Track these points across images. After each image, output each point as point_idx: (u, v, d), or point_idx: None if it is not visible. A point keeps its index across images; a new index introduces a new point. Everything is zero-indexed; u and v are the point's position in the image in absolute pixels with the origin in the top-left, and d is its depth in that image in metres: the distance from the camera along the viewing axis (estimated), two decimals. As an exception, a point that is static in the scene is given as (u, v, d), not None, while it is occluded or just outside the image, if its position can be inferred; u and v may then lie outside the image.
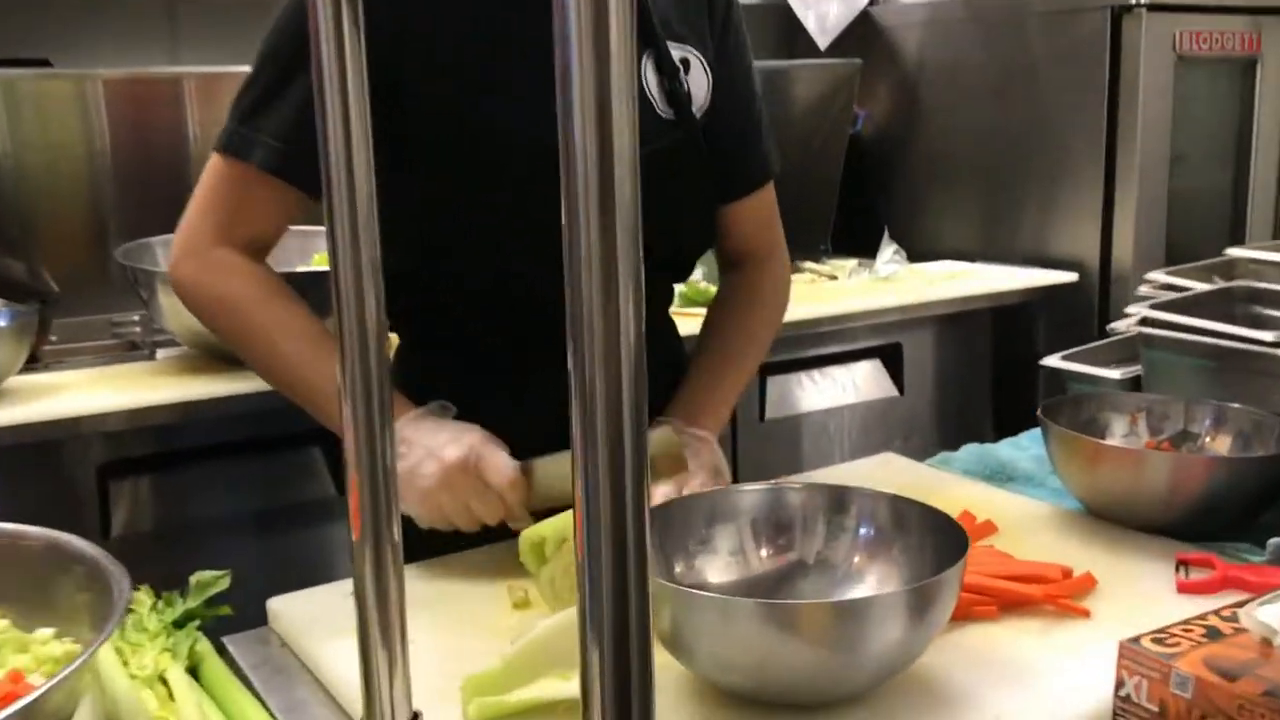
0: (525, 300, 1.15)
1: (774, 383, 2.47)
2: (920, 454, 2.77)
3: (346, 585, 0.87)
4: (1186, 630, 0.83)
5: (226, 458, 1.93)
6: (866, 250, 2.87)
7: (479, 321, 1.22)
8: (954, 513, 1.05)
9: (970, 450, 1.44)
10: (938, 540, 0.87)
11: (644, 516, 0.42)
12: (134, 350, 2.00)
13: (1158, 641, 0.82)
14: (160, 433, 1.85)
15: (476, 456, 1.05)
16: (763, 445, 2.47)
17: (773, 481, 0.95)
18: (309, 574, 1.22)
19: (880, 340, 2.66)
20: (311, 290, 1.18)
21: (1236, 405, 1.24)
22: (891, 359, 2.70)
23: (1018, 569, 1.02)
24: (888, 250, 2.70)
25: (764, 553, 0.91)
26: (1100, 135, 2.63)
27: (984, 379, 2.85)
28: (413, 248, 1.15)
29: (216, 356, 1.86)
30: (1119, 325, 1.41)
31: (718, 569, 0.90)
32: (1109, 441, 1.27)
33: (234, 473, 1.94)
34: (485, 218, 1.14)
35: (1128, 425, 1.29)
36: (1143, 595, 1.01)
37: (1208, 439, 1.25)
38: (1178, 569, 1.05)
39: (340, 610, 0.98)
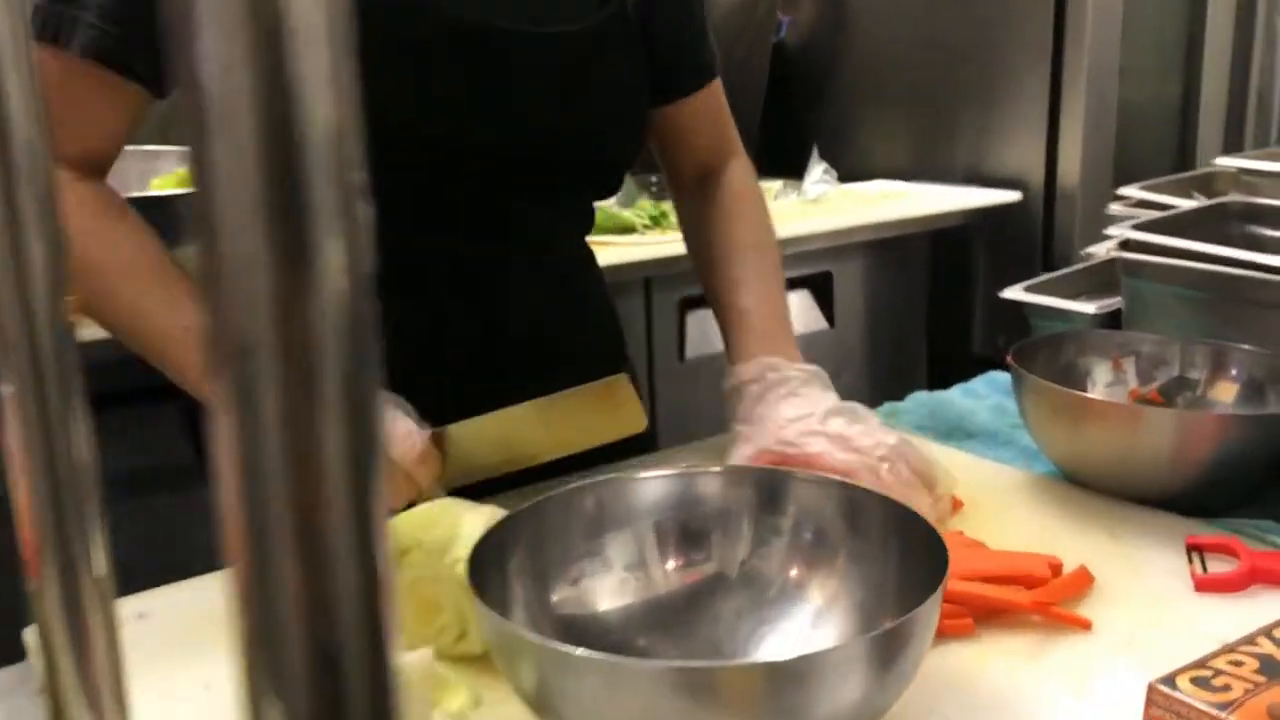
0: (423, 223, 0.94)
1: (694, 318, 2.23)
2: (853, 391, 2.56)
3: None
4: (1234, 663, 0.62)
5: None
6: (794, 171, 2.63)
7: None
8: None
9: (919, 400, 1.22)
10: (903, 546, 0.65)
11: (378, 556, 0.19)
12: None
13: (1200, 684, 0.60)
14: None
15: None
16: (683, 388, 2.24)
17: (683, 467, 0.72)
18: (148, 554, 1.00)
19: (809, 269, 2.44)
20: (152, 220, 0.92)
21: (1243, 346, 1.03)
22: (821, 289, 2.49)
23: (995, 565, 0.80)
24: (816, 170, 2.47)
25: (672, 565, 0.68)
26: (1046, 44, 2.41)
27: (920, 309, 2.64)
28: None
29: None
30: (1096, 249, 1.19)
31: (610, 591, 0.67)
32: (1094, 394, 1.06)
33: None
34: None
35: (1111, 371, 1.08)
36: (1153, 595, 0.80)
37: (1208, 388, 1.04)
38: (1190, 557, 0.84)
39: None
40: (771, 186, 2.61)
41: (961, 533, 0.87)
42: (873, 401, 2.13)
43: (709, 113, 1.13)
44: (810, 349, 2.48)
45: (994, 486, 0.99)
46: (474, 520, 0.73)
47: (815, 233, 2.33)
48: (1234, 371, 1.03)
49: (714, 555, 0.68)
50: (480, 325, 0.99)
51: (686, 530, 0.68)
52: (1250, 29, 2.65)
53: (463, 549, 0.71)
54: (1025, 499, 0.97)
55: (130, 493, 1.74)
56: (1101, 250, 1.16)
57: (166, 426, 1.80)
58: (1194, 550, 0.85)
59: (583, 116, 0.99)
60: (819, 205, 2.45)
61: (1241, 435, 0.89)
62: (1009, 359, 1.00)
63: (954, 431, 1.15)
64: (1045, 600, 0.77)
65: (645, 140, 1.09)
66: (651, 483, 0.69)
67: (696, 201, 1.14)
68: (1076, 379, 1.06)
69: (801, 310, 2.48)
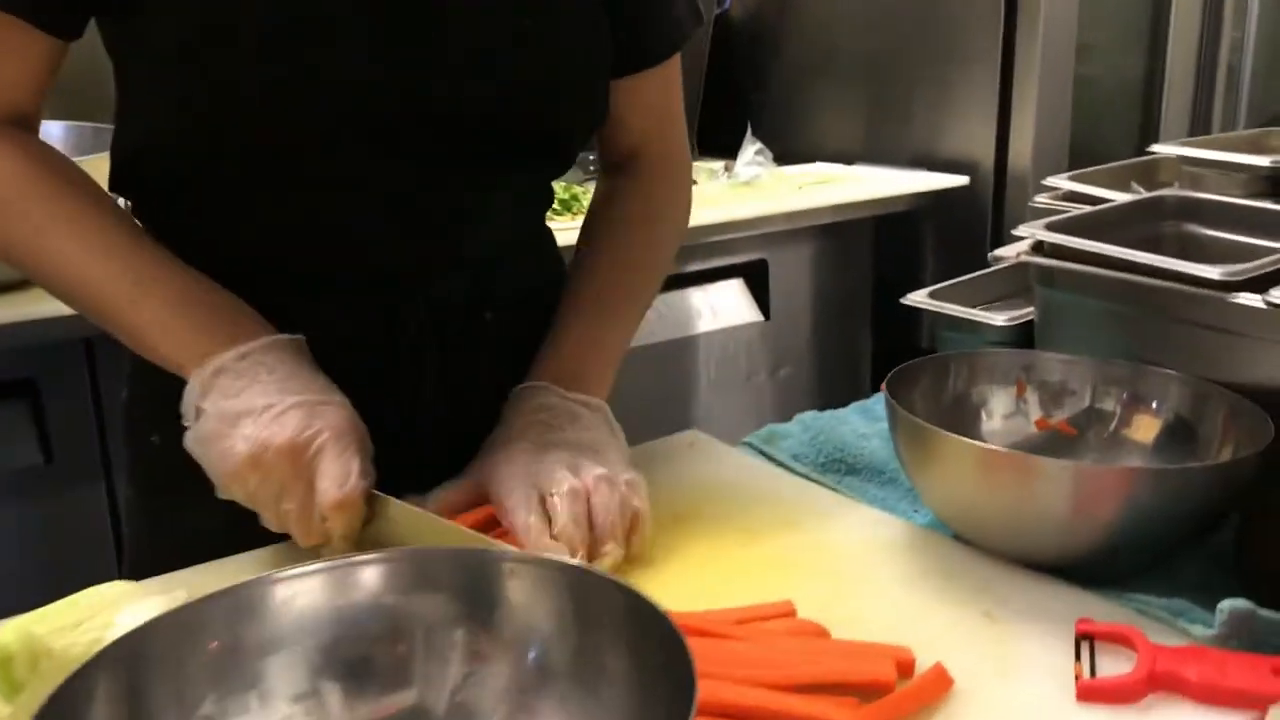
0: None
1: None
2: (791, 391, 2.42)
3: None
4: None
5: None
6: (733, 152, 2.45)
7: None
8: (747, 540, 0.66)
9: (804, 423, 1.05)
10: (654, 665, 0.47)
11: None
12: None
13: None
14: None
15: (318, 449, 0.72)
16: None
17: (348, 558, 0.53)
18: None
19: (741, 256, 2.26)
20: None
21: (1168, 371, 0.86)
22: (756, 278, 2.31)
23: (822, 665, 0.62)
24: (749, 150, 2.28)
25: (353, 700, 0.50)
26: (998, 17, 2.23)
27: (864, 300, 2.47)
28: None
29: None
30: (1005, 251, 1.02)
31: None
32: (990, 425, 0.89)
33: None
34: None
35: (1012, 399, 0.90)
36: (1024, 706, 0.62)
37: (1125, 423, 0.87)
38: (1078, 651, 0.67)
39: None
40: (713, 167, 2.43)
41: (793, 610, 0.69)
42: (814, 403, 1.96)
43: (659, 93, 0.99)
44: (746, 343, 2.34)
45: (860, 541, 0.82)
46: (140, 616, 0.56)
47: (746, 218, 2.15)
48: (1155, 404, 0.86)
49: (414, 681, 0.50)
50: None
51: (365, 657, 0.50)
52: (1220, 1, 2.47)
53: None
54: (894, 559, 0.79)
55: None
56: (1010, 252, 0.98)
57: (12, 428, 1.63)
58: (1084, 640, 0.67)
59: (532, 94, 0.86)
60: (752, 188, 2.27)
61: (1153, 492, 0.72)
62: (882, 387, 0.83)
63: (834, 464, 0.97)
64: (884, 716, 0.59)
65: (603, 114, 0.94)
66: (305, 581, 0.51)
67: (613, 183, 1.02)
68: (969, 408, 0.89)
69: (735, 301, 2.30)
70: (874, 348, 2.52)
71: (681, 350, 2.20)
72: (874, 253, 2.47)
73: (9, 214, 0.80)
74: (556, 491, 0.77)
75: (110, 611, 0.55)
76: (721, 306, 2.27)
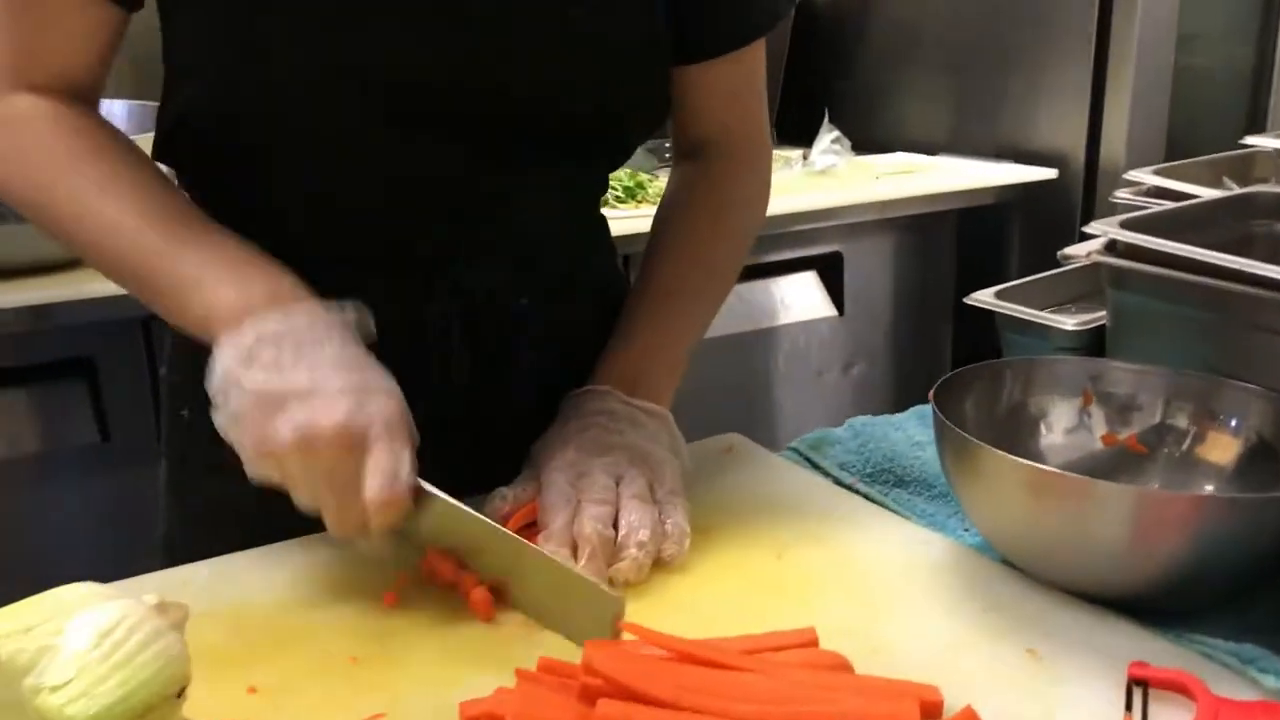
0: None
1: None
2: (865, 388, 2.34)
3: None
4: None
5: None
6: (810, 139, 2.37)
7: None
8: (770, 558, 0.61)
9: (855, 428, 0.98)
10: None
11: None
12: None
13: None
14: None
15: (372, 438, 0.67)
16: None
17: None
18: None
19: (814, 248, 2.19)
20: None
21: (1248, 386, 0.78)
22: (830, 271, 2.24)
23: (839, 706, 0.56)
24: (826, 138, 2.21)
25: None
26: (1092, 3, 2.13)
27: (944, 298, 2.38)
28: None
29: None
30: (1075, 250, 0.94)
31: None
32: (1050, 439, 0.82)
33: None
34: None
35: (1076, 412, 0.83)
36: (1062, 760, 0.56)
37: (1200, 442, 0.79)
38: (1129, 697, 0.60)
39: None
40: (791, 156, 2.35)
41: (814, 639, 0.63)
42: (888, 403, 1.89)
43: (737, 80, 0.94)
44: (818, 339, 2.26)
45: (898, 561, 0.75)
46: (92, 622, 0.52)
47: (820, 208, 2.08)
48: (1234, 422, 0.78)
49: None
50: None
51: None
52: (1336, -13, 2.32)
53: (58, 671, 0.50)
54: (934, 583, 0.73)
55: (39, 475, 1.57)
56: (1081, 251, 0.91)
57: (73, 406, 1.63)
58: (1137, 685, 0.61)
59: (586, 78, 0.82)
60: (828, 177, 2.20)
61: (1226, 523, 0.65)
62: (930, 396, 0.76)
63: (882, 475, 0.91)
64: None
65: (667, 104, 0.90)
66: None
67: (684, 171, 0.97)
68: (1027, 420, 0.82)
69: (807, 295, 2.23)
70: (954, 348, 2.43)
71: (749, 344, 2.14)
72: (956, 248, 2.38)
73: (50, 187, 0.78)
74: (587, 497, 0.74)
75: (63, 618, 0.52)
76: (793, 299, 2.21)
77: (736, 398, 2.14)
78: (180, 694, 0.54)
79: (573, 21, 0.80)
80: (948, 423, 0.72)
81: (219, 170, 0.84)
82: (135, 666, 0.51)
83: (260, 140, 0.81)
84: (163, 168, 0.83)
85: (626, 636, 0.63)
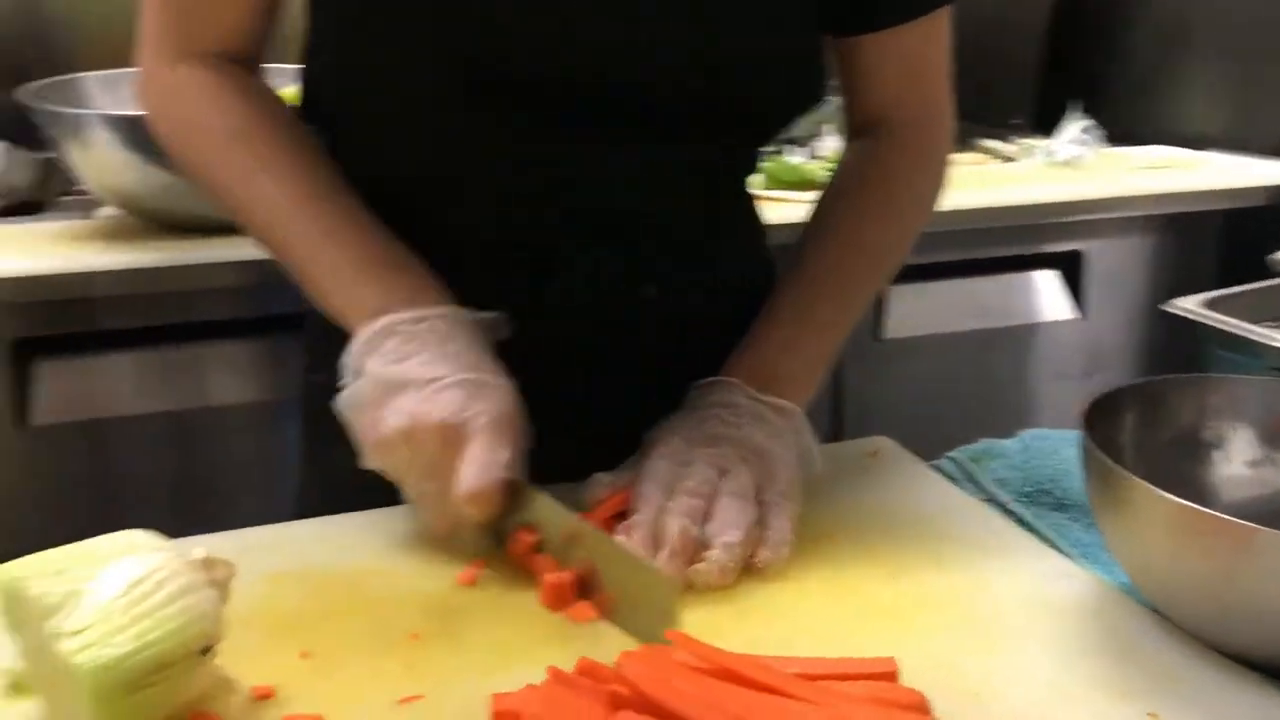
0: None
1: (899, 292, 1.90)
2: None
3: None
4: None
5: (164, 343, 1.60)
6: (1053, 128, 2.21)
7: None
8: (881, 578, 0.56)
9: (1025, 441, 0.89)
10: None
11: None
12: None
13: None
14: (80, 309, 1.53)
15: (470, 433, 0.67)
16: (875, 373, 1.92)
17: None
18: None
19: (1052, 245, 2.04)
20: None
21: None
22: (1070, 270, 2.08)
23: (899, 750, 0.50)
24: (1072, 127, 2.05)
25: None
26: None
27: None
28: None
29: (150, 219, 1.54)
30: (1295, 258, 0.81)
31: None
32: (1224, 471, 0.71)
33: (174, 360, 1.61)
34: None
35: (1261, 443, 0.72)
36: None
37: None
38: (1258, 787, 0.51)
39: None
40: (1039, 145, 2.20)
41: (894, 671, 0.57)
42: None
43: (914, 53, 0.88)
44: (1055, 342, 2.11)
45: (1027, 596, 0.67)
46: (124, 571, 0.52)
47: (1056, 201, 1.93)
48: None
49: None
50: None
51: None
52: None
53: (78, 617, 0.51)
54: (1060, 624, 0.64)
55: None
56: (1297, 259, 0.78)
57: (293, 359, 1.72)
58: (1272, 775, 0.51)
59: (726, 57, 0.78)
60: (1072, 169, 2.04)
61: None
62: (1082, 413, 0.67)
63: (1040, 495, 0.82)
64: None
65: (822, 83, 0.86)
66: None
67: (853, 149, 0.92)
68: (1200, 449, 0.71)
69: (1045, 295, 2.08)
70: (1217, 360, 2.21)
71: (974, 344, 2.01)
72: (1219, 252, 2.16)
73: (223, 155, 0.80)
74: (681, 488, 0.70)
75: (100, 564, 0.52)
76: (1027, 300, 2.07)
77: (957, 398, 2.02)
78: (206, 651, 0.53)
79: (704, 3, 0.75)
80: (1093, 445, 0.64)
81: (347, 134, 0.84)
82: (157, 619, 0.51)
83: (388, 123, 0.81)
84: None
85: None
